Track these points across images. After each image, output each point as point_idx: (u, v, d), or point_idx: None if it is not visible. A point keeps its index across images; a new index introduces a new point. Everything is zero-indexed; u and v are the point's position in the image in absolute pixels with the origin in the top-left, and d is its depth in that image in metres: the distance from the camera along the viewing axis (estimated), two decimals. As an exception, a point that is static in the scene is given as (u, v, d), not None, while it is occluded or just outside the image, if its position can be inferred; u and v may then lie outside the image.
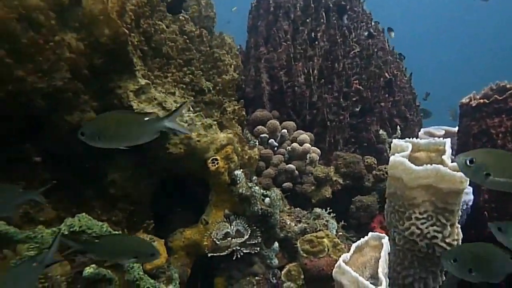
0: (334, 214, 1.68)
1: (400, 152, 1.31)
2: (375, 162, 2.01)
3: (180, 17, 1.86)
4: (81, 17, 1.33)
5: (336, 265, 1.20)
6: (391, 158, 1.29)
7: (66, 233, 1.23)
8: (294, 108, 2.44)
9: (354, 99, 2.42)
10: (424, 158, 1.35)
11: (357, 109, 2.25)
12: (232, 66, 2.08)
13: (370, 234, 1.31)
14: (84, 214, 1.32)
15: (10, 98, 1.27)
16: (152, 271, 1.40)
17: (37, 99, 1.30)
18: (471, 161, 0.86)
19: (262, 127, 2.14)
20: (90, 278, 1.17)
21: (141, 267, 1.31)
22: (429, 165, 1.16)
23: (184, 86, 1.68)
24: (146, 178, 1.55)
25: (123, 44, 1.34)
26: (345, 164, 1.96)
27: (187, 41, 1.83)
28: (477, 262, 0.92)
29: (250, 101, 2.41)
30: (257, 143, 2.11)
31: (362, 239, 1.29)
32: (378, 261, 1.29)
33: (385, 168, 1.88)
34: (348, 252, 1.26)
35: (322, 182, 1.91)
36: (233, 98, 2.04)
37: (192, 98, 1.68)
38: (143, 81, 1.42)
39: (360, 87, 2.44)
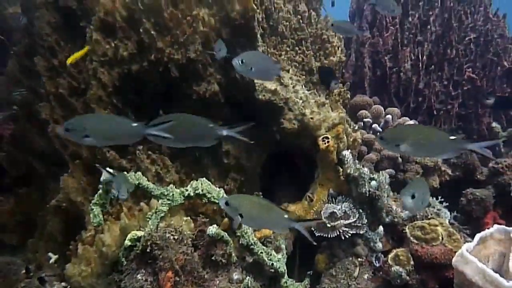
0: (447, 204, 1.60)
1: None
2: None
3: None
4: (214, -7, 1.41)
5: (457, 253, 1.15)
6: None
7: (192, 194, 1.34)
8: (397, 94, 2.35)
9: (465, 88, 2.26)
10: None
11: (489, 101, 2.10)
12: (339, 48, 2.05)
13: (495, 226, 1.23)
14: (204, 179, 1.42)
15: (151, 67, 1.41)
16: (260, 240, 1.47)
17: (172, 69, 1.42)
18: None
19: (366, 111, 2.10)
20: (213, 237, 1.26)
21: (253, 234, 1.38)
22: None
23: (296, 65, 1.71)
24: (258, 150, 1.61)
25: (250, 20, 1.40)
26: (456, 155, 1.84)
27: (300, 21, 1.85)
28: None
29: (349, 86, 2.38)
30: (356, 127, 2.08)
31: (486, 231, 1.22)
32: (504, 256, 1.22)
33: (504, 161, 1.74)
34: (465, 243, 1.20)
35: (430, 171, 1.83)
36: (339, 81, 2.02)
37: (304, 77, 1.70)
38: (264, 57, 1.47)
39: (474, 76, 2.26)
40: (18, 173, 1.84)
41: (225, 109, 1.55)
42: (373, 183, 1.59)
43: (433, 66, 2.27)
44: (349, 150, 1.62)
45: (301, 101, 1.48)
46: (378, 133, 0.94)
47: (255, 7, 1.40)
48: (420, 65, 2.27)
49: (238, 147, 1.59)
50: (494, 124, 2.21)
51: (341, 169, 1.59)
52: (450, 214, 1.59)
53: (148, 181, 1.34)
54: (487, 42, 2.33)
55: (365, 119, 2.06)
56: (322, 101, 1.52)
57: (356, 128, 2.03)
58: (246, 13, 1.38)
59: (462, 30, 2.34)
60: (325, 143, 1.52)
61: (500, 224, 1.72)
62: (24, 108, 1.66)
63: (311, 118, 1.48)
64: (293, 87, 1.49)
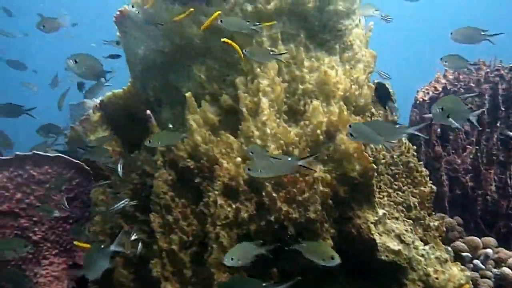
0: None
1: None
2: None
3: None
4: (331, 151, 1.41)
5: None
6: None
7: None
8: (484, 217, 2.25)
9: (561, 213, 2.15)
10: None
11: None
12: (427, 176, 2.01)
13: None
14: None
15: (268, 226, 1.37)
16: None
17: (290, 227, 1.38)
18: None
19: (462, 244, 1.99)
20: None
21: None
22: None
23: (402, 209, 1.65)
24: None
25: (370, 178, 1.38)
26: None
27: (394, 157, 1.84)
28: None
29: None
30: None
31: None
32: None
33: None
34: None
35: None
36: (432, 212, 1.94)
37: (411, 221, 1.63)
38: (381, 212, 1.43)
39: None
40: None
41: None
42: None
43: (522, 190, 2.18)
44: (471, 306, 1.49)
45: (423, 258, 1.40)
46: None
47: (374, 166, 1.38)
48: (509, 189, 2.19)
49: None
50: None
51: (463, 329, 1.45)
52: None
53: None
54: None
55: (463, 253, 1.94)
56: (444, 258, 1.44)
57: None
58: (366, 172, 1.37)
59: (546, 150, 2.29)
60: (450, 304, 1.41)
61: None
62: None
63: (436, 278, 1.39)
64: (413, 242, 1.42)
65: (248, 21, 1.30)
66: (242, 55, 1.31)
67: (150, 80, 1.61)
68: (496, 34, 1.73)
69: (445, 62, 1.65)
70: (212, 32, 1.39)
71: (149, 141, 1.38)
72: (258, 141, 1.32)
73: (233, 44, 1.33)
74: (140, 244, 1.58)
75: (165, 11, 1.38)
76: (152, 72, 1.58)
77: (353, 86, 1.44)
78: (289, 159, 1.20)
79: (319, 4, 1.37)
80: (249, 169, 1.17)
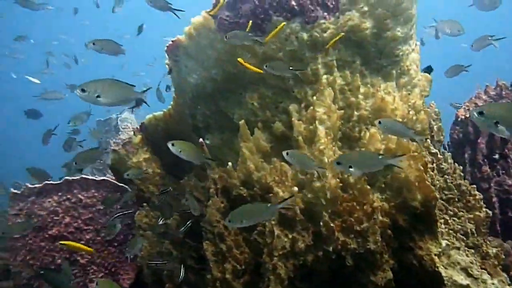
0: None
1: None
2: None
3: (439, 155, 1.83)
4: (389, 180, 1.37)
5: None
6: None
7: None
8: (542, 242, 2.13)
9: None
10: None
11: None
12: (481, 200, 1.92)
13: None
14: None
15: (325, 256, 1.33)
16: None
17: (348, 258, 1.33)
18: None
19: (523, 272, 1.87)
20: None
21: None
22: None
23: (462, 238, 1.58)
24: None
25: (432, 207, 1.33)
26: None
27: (447, 180, 1.77)
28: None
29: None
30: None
31: None
32: None
33: None
34: None
35: None
36: (487, 238, 1.85)
37: (473, 251, 1.56)
38: (444, 242, 1.37)
39: None
40: None
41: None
42: None
43: None
44: None
45: (489, 293, 1.32)
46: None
47: (437, 194, 1.33)
48: None
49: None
50: None
51: None
52: None
53: None
54: None
55: (524, 283, 1.83)
56: (514, 292, 1.35)
57: None
58: (428, 201, 1.31)
59: None
60: None
61: None
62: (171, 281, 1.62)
63: (506, 314, 1.31)
64: (481, 275, 1.34)
65: (251, 34, 1.30)
66: (255, 69, 1.31)
67: (200, 106, 1.61)
68: (499, 39, 1.80)
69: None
70: (266, 60, 1.38)
71: (172, 144, 1.33)
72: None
73: (244, 63, 1.31)
74: (182, 269, 1.57)
75: (220, 41, 1.39)
76: (202, 99, 1.59)
77: (410, 112, 1.40)
78: (268, 205, 1.21)
79: (377, 30, 1.35)
80: (229, 221, 1.15)
